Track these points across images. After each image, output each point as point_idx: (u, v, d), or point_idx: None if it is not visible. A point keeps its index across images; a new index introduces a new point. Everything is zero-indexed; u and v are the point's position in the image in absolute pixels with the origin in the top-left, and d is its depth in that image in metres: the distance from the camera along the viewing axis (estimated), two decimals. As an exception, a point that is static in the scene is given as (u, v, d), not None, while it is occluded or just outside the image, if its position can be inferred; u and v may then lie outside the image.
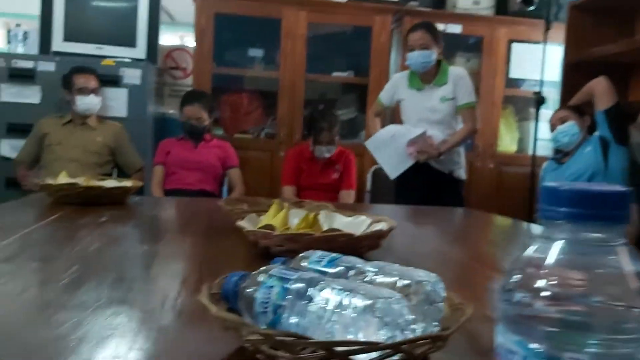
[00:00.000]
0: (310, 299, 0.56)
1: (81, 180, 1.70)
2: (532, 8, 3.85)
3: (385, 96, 3.09)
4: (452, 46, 4.01)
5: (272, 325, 0.57)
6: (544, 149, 3.35)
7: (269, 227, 1.01)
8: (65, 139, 3.22)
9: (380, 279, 0.62)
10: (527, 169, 3.41)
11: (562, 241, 0.34)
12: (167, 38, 4.11)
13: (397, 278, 0.61)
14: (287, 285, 0.57)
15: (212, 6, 3.67)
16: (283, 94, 3.77)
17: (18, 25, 3.76)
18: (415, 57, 2.85)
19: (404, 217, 1.97)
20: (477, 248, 1.49)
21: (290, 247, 0.99)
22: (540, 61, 3.34)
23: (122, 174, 3.39)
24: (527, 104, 4.02)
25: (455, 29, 3.85)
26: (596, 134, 2.85)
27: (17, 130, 3.46)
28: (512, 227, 1.89)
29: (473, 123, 2.90)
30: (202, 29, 3.67)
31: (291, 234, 0.99)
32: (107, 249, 1.12)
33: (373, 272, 0.63)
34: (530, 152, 3.46)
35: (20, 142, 3.38)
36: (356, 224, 1.19)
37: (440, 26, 3.83)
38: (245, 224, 1.08)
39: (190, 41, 3.79)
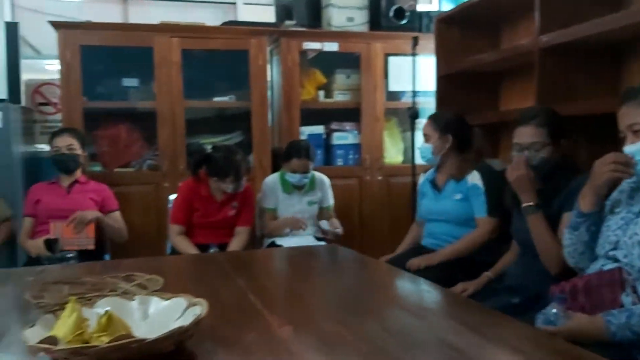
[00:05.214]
0: None
1: None
2: (404, 22, 3.91)
3: None
4: (331, 64, 4.01)
5: None
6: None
7: (50, 340, 0.92)
8: None
9: None
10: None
11: None
12: (36, 72, 3.86)
13: None
14: None
15: (76, 39, 3.47)
16: (162, 124, 3.63)
17: None
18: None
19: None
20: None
21: (80, 360, 0.90)
22: (415, 73, 3.41)
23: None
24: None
25: (333, 46, 3.84)
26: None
27: None
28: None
29: None
30: (67, 63, 3.46)
31: (75, 348, 0.90)
32: None
33: None
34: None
35: None
36: (173, 310, 1.12)
37: (317, 45, 3.84)
38: (32, 333, 0.97)
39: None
